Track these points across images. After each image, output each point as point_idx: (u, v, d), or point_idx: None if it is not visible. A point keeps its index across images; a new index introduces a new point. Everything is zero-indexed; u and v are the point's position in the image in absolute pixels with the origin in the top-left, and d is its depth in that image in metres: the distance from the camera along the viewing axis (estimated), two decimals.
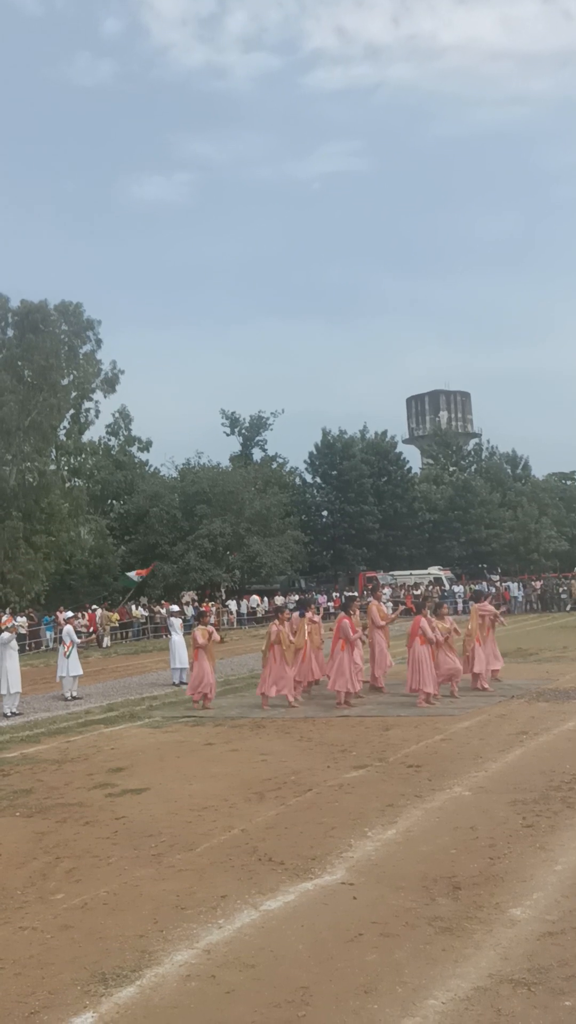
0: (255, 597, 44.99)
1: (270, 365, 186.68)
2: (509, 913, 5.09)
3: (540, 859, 5.98)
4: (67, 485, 47.06)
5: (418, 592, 38.65)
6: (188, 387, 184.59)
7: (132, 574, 38.91)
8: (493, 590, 44.27)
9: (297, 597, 40.37)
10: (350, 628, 13.87)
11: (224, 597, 45.53)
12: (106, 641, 33.98)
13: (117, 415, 57.20)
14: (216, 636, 15.18)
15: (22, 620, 31.42)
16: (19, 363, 40.40)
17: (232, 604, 43.36)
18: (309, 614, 15.75)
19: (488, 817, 7.03)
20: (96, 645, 32.90)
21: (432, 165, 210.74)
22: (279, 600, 38.46)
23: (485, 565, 59.84)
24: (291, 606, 25.46)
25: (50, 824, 7.87)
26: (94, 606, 38.02)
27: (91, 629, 33.06)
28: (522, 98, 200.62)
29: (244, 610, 43.24)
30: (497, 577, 51.92)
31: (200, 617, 16.11)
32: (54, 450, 46.60)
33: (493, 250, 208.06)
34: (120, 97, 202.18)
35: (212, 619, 15.73)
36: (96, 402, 48.67)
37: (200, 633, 14.65)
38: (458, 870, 5.85)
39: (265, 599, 43.52)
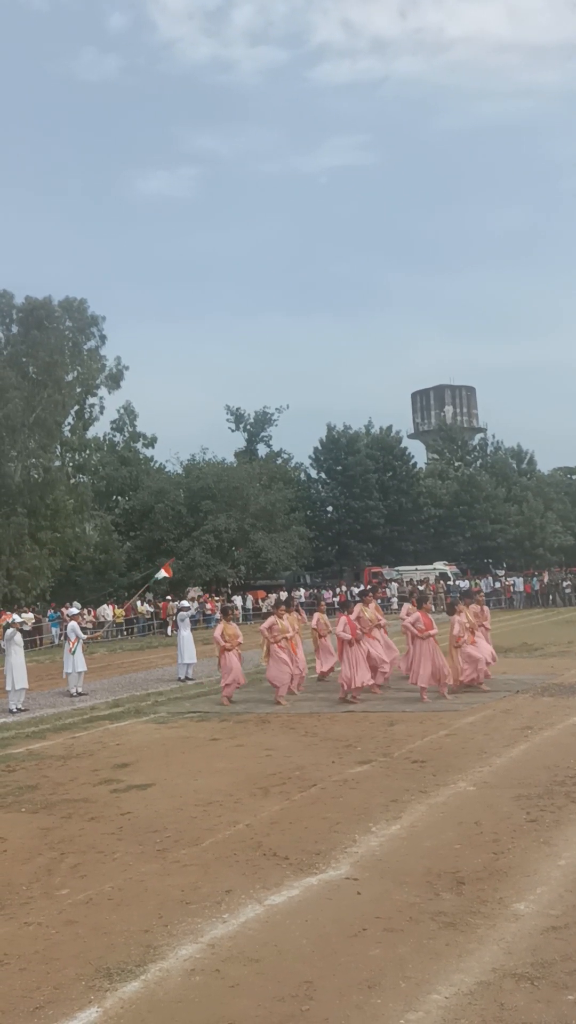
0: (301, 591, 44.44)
1: (275, 360, 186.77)
2: (512, 908, 5.10)
3: (544, 854, 5.98)
4: (72, 481, 47.18)
5: (422, 587, 38.63)
6: (193, 383, 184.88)
7: (161, 574, 38.68)
8: (498, 585, 44.35)
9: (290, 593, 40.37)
10: (348, 626, 13.89)
11: (230, 593, 45.56)
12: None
13: (122, 411, 57.38)
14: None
15: (28, 616, 31.49)
16: (24, 359, 40.48)
17: (238, 599, 43.38)
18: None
19: (492, 812, 7.03)
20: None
21: (439, 158, 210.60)
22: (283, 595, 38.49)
23: (490, 560, 59.77)
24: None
25: (55, 820, 7.89)
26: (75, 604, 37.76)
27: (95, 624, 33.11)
28: (529, 90, 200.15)
29: (249, 605, 43.26)
30: (502, 572, 51.86)
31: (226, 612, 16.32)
32: (59, 446, 46.69)
33: (499, 243, 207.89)
34: (125, 92, 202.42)
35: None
36: (101, 398, 48.88)
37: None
38: (462, 865, 5.86)
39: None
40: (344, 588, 41.90)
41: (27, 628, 21.97)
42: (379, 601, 16.41)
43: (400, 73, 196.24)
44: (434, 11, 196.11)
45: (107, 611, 38.81)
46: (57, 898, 5.87)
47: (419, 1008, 3.99)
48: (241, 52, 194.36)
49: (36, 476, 40.94)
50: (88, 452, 53.06)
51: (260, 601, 42.21)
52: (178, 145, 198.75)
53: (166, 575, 36.50)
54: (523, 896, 5.26)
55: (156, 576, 37.19)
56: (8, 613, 27.88)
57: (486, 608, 15.52)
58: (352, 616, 14.28)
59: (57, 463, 45.17)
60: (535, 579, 44.17)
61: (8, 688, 15.51)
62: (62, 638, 25.34)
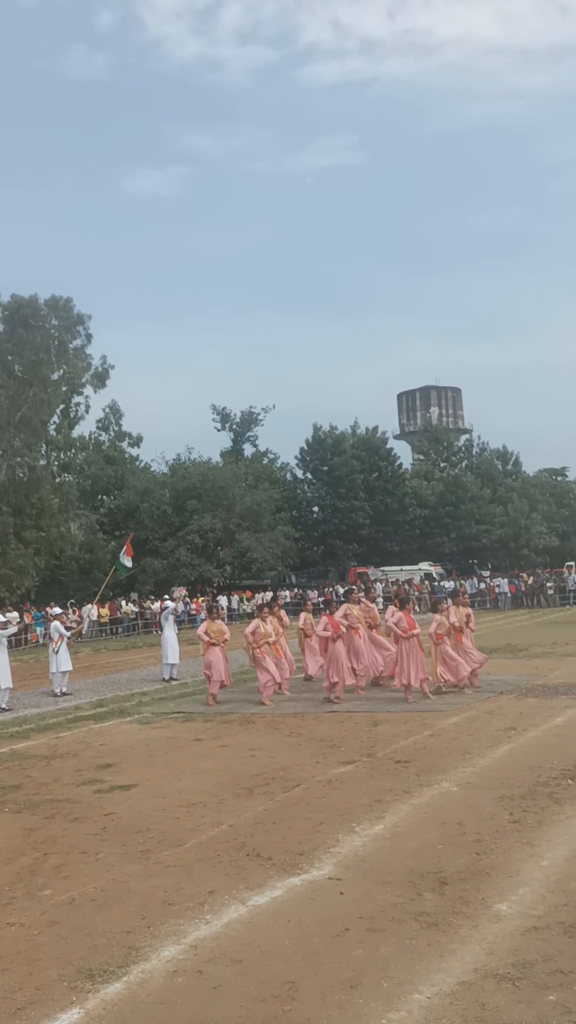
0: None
1: (261, 360, 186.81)
2: (495, 908, 5.11)
3: (526, 854, 6.01)
4: (57, 480, 46.97)
5: (407, 587, 38.69)
6: (179, 382, 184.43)
7: (124, 559, 37.94)
8: (483, 586, 44.49)
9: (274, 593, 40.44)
10: (330, 625, 13.92)
11: (215, 592, 45.51)
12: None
13: (107, 410, 57.28)
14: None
15: (13, 615, 31.33)
16: (9, 358, 40.31)
17: (223, 599, 43.34)
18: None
19: (475, 812, 7.06)
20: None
21: (427, 160, 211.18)
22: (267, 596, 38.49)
23: (475, 561, 59.97)
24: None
25: (38, 820, 7.87)
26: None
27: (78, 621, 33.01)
28: (518, 93, 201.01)
29: (235, 605, 43.22)
30: (487, 573, 52.01)
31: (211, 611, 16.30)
32: (44, 445, 46.49)
33: (487, 245, 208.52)
34: (114, 90, 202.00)
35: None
36: (86, 397, 48.69)
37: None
38: (445, 865, 5.88)
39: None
40: (329, 588, 41.90)
41: (17, 626, 21.72)
42: (373, 602, 16.27)
43: (389, 74, 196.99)
44: (423, 13, 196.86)
45: (91, 610, 38.70)
46: (40, 899, 5.85)
47: (401, 1008, 4.00)
48: (230, 51, 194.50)
49: (21, 475, 40.76)
50: (73, 451, 52.86)
51: (246, 601, 42.21)
52: (167, 144, 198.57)
53: (128, 556, 35.94)
54: (505, 897, 5.28)
55: (121, 560, 36.58)
56: None
57: (469, 609, 15.55)
58: (339, 615, 14.31)
59: (42, 462, 44.98)
60: (519, 580, 44.33)
61: None
62: (46, 637, 25.25)
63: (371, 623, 15.24)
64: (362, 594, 16.11)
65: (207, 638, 14.77)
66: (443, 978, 4.26)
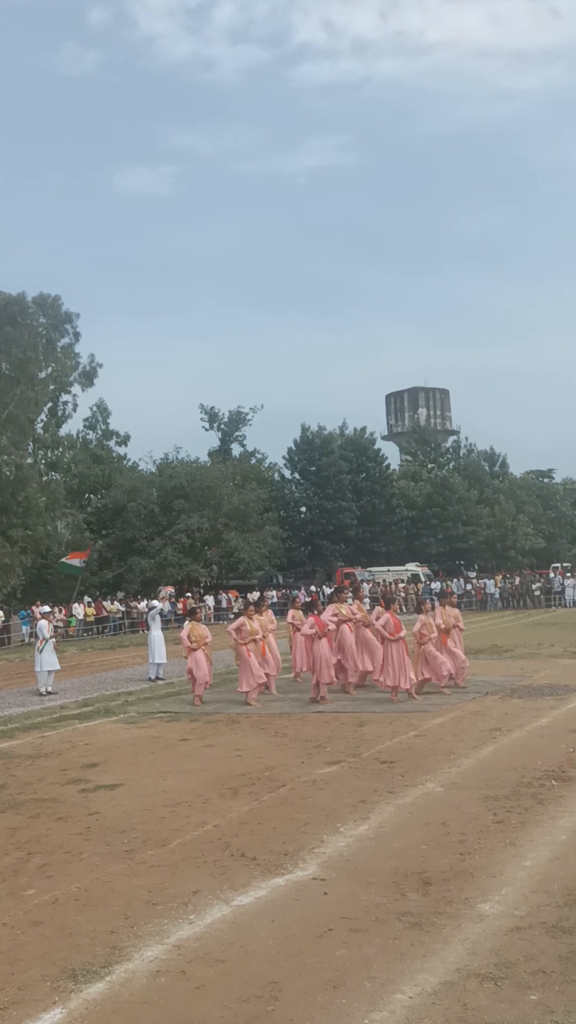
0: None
1: (250, 360, 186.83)
2: (478, 908, 5.13)
3: (510, 855, 6.03)
4: (44, 479, 46.79)
5: (392, 587, 38.76)
6: (167, 381, 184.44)
7: (69, 560, 37.39)
8: (470, 587, 44.60)
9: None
10: (315, 624, 13.93)
11: (202, 593, 45.45)
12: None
13: (95, 409, 57.01)
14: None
15: None
16: None
17: (209, 599, 43.28)
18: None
19: (459, 813, 7.08)
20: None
21: (418, 161, 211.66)
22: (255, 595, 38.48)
23: (462, 562, 60.08)
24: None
25: (22, 820, 7.85)
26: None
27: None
28: (509, 95, 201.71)
29: (224, 605, 43.18)
30: (474, 574, 52.15)
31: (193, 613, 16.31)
32: (31, 443, 46.34)
33: (476, 247, 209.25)
34: (106, 87, 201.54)
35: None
36: (74, 395, 48.50)
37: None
38: (428, 865, 5.90)
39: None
40: (316, 588, 41.92)
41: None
42: (364, 602, 16.25)
43: (381, 75, 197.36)
44: (415, 14, 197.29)
45: (78, 610, 38.63)
46: (23, 898, 5.84)
47: (383, 1008, 4.02)
48: (222, 50, 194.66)
49: (8, 473, 40.57)
50: (61, 450, 52.67)
51: (233, 601, 42.19)
52: (158, 142, 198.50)
53: (78, 559, 35.30)
54: (488, 897, 5.30)
55: (72, 570, 35.92)
56: None
57: (457, 610, 15.60)
58: (327, 615, 14.32)
59: (29, 460, 44.80)
60: (506, 581, 44.47)
61: None
62: (32, 637, 25.17)
63: (364, 622, 15.25)
64: (351, 593, 16.11)
65: (189, 643, 14.76)
66: (426, 978, 4.28)
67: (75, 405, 49.33)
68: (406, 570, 49.18)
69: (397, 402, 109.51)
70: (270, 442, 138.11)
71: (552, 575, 45.56)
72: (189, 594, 42.93)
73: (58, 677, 18.09)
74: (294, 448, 58.98)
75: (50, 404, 47.35)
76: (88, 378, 47.86)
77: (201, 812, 7.64)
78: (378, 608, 14.73)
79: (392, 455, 73.04)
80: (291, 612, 17.03)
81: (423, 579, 46.63)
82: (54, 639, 17.72)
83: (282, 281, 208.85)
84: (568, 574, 44.05)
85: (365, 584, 42.93)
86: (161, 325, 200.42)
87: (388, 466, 62.39)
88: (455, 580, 46.44)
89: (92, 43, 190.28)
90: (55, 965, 4.70)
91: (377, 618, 14.09)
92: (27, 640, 32.56)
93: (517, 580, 44.40)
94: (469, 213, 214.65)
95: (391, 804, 7.48)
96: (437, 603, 15.15)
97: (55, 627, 21.48)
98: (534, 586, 43.31)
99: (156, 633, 18.87)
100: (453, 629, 14.43)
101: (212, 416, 63.55)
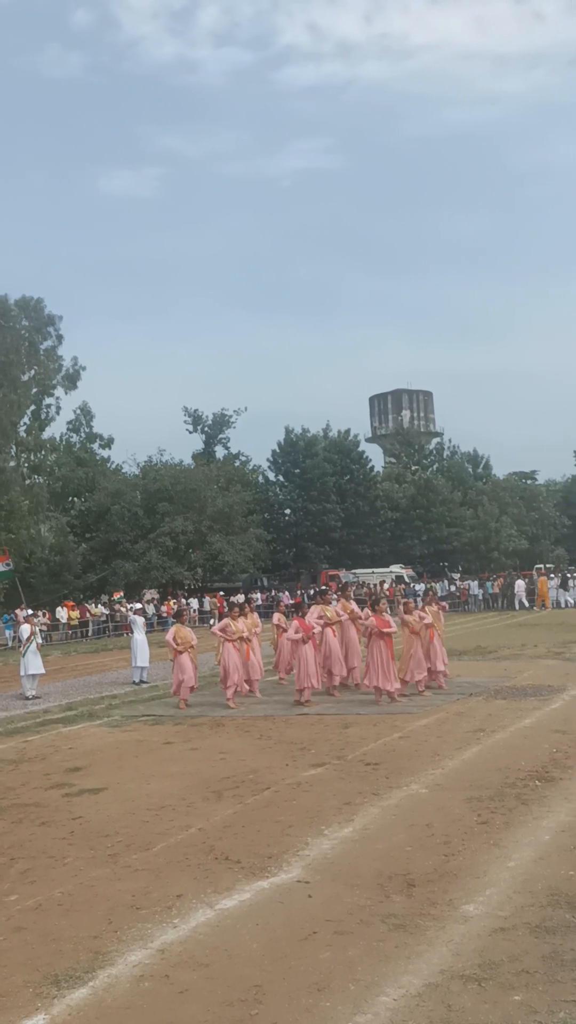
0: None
1: (234, 362, 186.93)
2: (462, 909, 5.14)
3: (494, 856, 6.04)
4: (27, 482, 46.53)
5: (377, 588, 38.80)
6: (151, 384, 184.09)
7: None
8: (453, 588, 44.70)
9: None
10: (300, 627, 13.94)
11: (187, 596, 45.36)
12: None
13: (78, 411, 56.83)
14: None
15: None
16: None
17: (194, 602, 43.20)
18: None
19: (444, 814, 7.09)
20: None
21: (402, 163, 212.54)
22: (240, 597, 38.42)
23: (446, 563, 60.22)
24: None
25: (5, 825, 7.80)
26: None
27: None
28: (492, 98, 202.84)
29: (208, 607, 43.10)
30: (458, 575, 52.27)
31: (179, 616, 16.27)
32: (14, 447, 46.07)
33: (459, 250, 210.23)
34: (89, 89, 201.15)
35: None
36: (57, 398, 48.20)
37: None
38: (413, 867, 5.90)
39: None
40: (300, 591, 41.91)
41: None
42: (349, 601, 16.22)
43: (365, 78, 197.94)
44: (400, 17, 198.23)
45: (62, 613, 38.47)
46: (6, 904, 5.80)
47: (367, 1010, 4.01)
48: (207, 53, 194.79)
49: None
50: (44, 453, 52.35)
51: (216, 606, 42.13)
52: (142, 144, 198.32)
53: (5, 563, 34.78)
54: (472, 898, 5.31)
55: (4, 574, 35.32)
56: None
57: (436, 607, 15.67)
58: (312, 617, 14.32)
59: (12, 464, 44.56)
60: (490, 583, 44.57)
61: None
62: (15, 641, 25.01)
63: (352, 617, 15.26)
64: (336, 594, 16.13)
65: (175, 645, 14.73)
66: (410, 980, 4.28)
67: (58, 408, 49.09)
68: (390, 572, 49.24)
69: (381, 404, 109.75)
70: (254, 444, 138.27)
71: (535, 576, 45.66)
72: (171, 598, 42.86)
73: (42, 681, 18.01)
74: (278, 450, 58.96)
75: (33, 407, 47.08)
76: (71, 381, 47.62)
77: (185, 815, 7.62)
78: (366, 610, 14.76)
79: (376, 457, 73.19)
80: (276, 615, 17.03)
81: (407, 581, 46.71)
82: (36, 642, 17.61)
83: (266, 283, 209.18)
84: (552, 575, 44.18)
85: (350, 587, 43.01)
86: (145, 327, 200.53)
87: (372, 468, 62.47)
88: (439, 582, 46.52)
89: (76, 45, 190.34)
90: (38, 971, 4.67)
91: (365, 619, 14.13)
92: (10, 644, 32.36)
93: (501, 581, 44.46)
94: (453, 216, 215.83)
95: (376, 806, 7.48)
96: (421, 602, 15.20)
97: (39, 630, 21.33)
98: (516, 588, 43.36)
99: (139, 636, 18.80)
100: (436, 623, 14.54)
101: (196, 418, 63.45)
